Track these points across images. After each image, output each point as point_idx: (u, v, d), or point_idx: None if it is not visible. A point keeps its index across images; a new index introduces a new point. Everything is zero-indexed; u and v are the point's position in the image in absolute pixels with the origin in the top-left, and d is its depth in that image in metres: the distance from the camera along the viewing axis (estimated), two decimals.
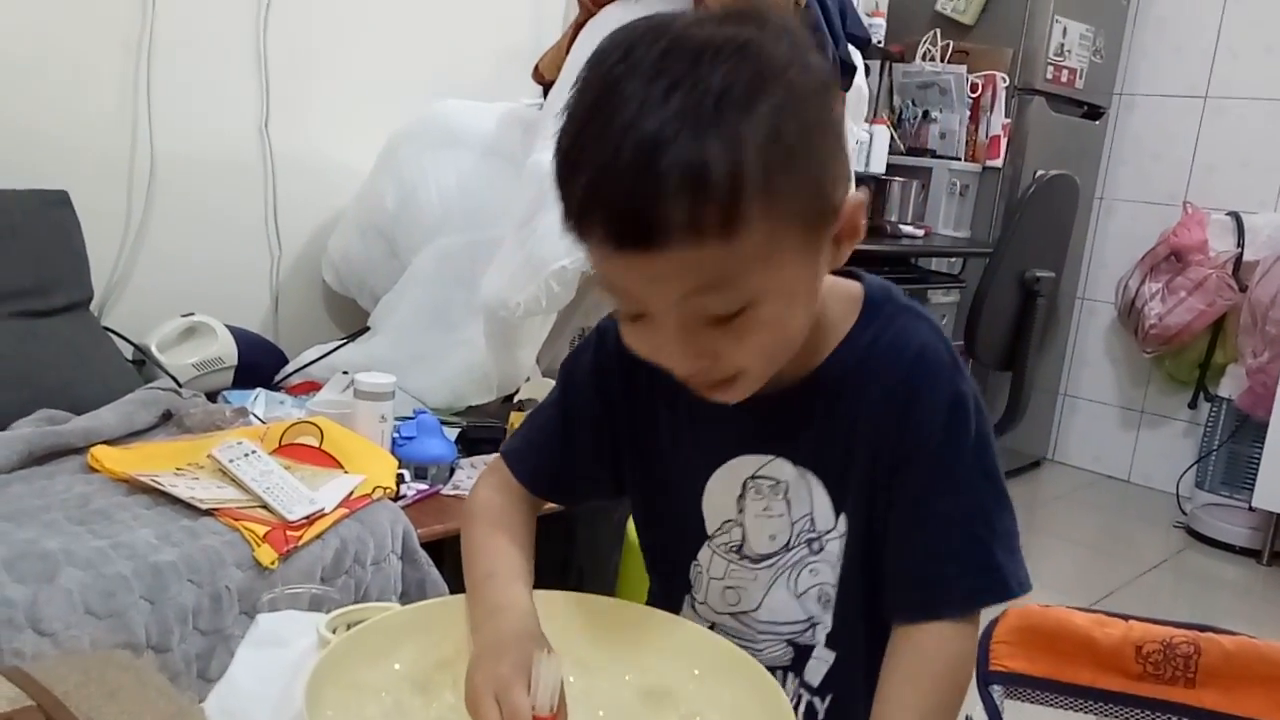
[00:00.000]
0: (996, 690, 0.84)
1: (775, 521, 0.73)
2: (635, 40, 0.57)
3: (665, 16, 0.59)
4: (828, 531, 0.72)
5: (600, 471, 0.79)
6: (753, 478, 0.73)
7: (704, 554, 0.77)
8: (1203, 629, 0.82)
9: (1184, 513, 3.28)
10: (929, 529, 0.66)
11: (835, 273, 0.69)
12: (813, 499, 0.72)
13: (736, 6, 0.60)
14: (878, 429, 0.67)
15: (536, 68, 2.05)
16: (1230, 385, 3.20)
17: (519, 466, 0.79)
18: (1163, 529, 3.22)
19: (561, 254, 1.59)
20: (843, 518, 0.71)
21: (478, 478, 0.83)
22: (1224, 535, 3.07)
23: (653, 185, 0.53)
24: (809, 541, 0.73)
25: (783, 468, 0.71)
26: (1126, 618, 0.85)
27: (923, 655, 0.66)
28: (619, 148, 0.54)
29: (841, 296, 0.70)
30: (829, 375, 0.68)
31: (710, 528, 0.76)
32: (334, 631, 0.67)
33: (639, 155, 0.53)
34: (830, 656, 0.74)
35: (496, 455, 0.82)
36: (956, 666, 0.67)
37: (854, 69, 1.84)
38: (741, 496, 0.74)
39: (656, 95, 0.54)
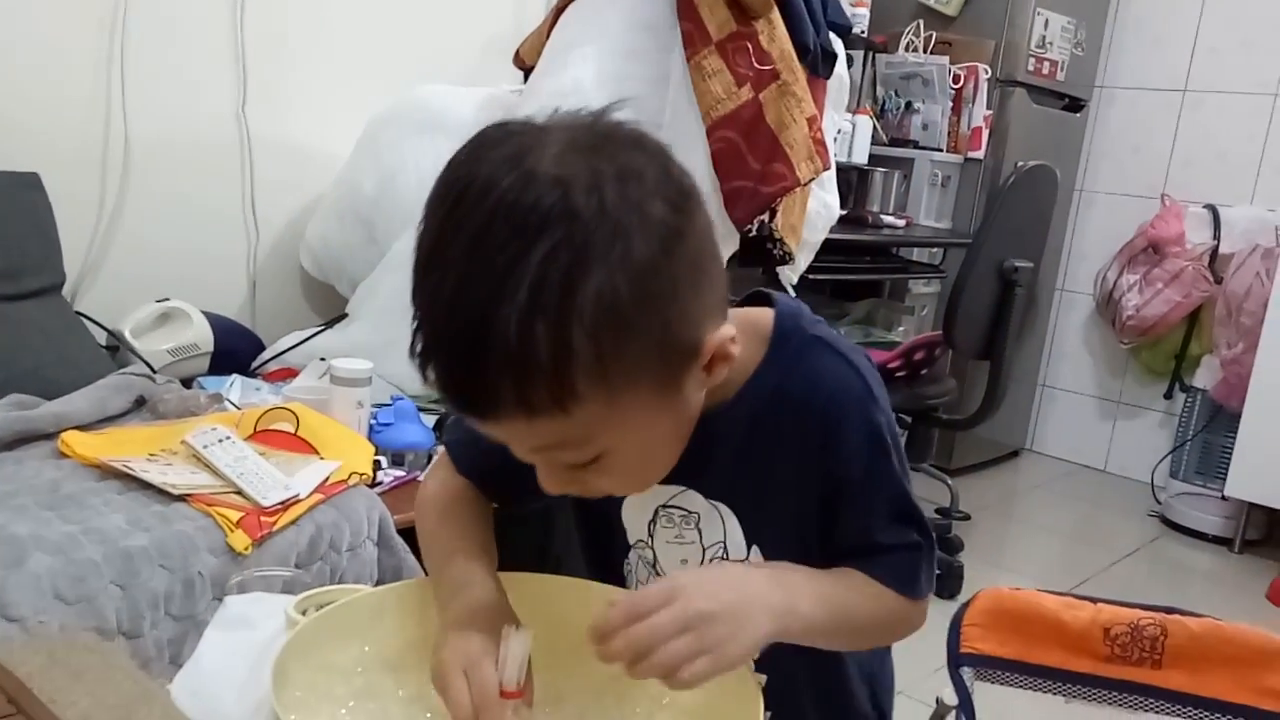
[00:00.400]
0: (966, 672, 0.84)
1: (686, 548, 0.74)
2: (470, 181, 0.53)
3: (516, 142, 0.54)
4: (740, 562, 0.72)
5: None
6: (664, 506, 0.73)
7: (632, 556, 0.78)
8: (1169, 611, 0.83)
9: (1158, 502, 3.31)
10: (868, 554, 0.69)
11: (745, 299, 0.69)
12: (725, 529, 0.72)
13: (598, 129, 0.55)
14: (796, 469, 0.68)
15: (518, 53, 2.04)
16: (1205, 376, 3.24)
17: (462, 461, 0.78)
18: (1137, 518, 3.25)
19: None
20: (755, 549, 0.72)
21: (428, 470, 0.82)
22: (1197, 524, 3.11)
23: (479, 367, 0.52)
24: None
25: (694, 499, 0.72)
26: (1095, 600, 0.86)
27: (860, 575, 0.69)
28: (448, 317, 0.53)
29: (747, 332, 0.67)
30: (737, 414, 0.67)
31: (631, 539, 0.77)
32: (303, 613, 0.67)
33: (465, 332, 0.52)
34: (760, 679, 0.74)
35: (443, 449, 0.80)
36: (887, 604, 0.69)
37: (834, 57, 1.84)
38: (653, 521, 0.74)
39: (480, 264, 0.51)
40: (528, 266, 0.50)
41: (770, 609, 0.60)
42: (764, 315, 0.69)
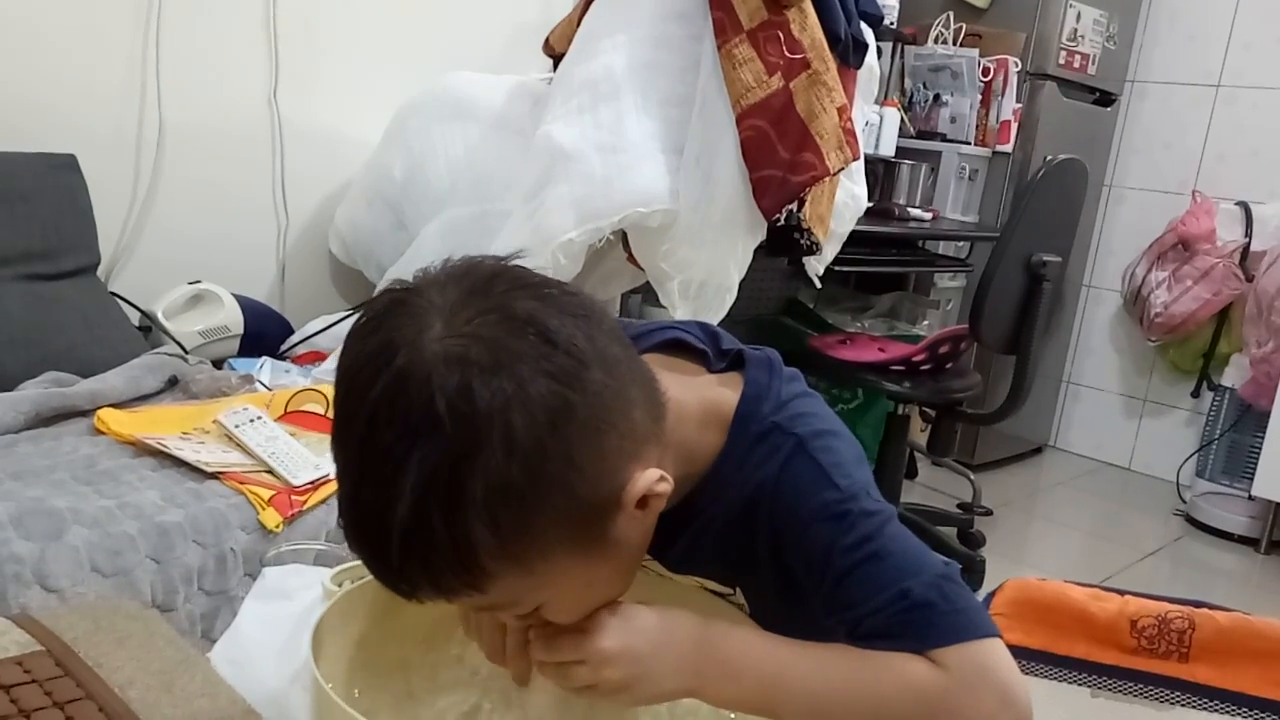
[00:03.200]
0: None
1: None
2: (356, 373, 0.52)
3: (394, 328, 0.52)
4: (729, 595, 0.71)
5: None
6: None
7: None
8: (1197, 605, 0.83)
9: (1183, 501, 3.28)
10: (862, 633, 0.60)
11: (730, 360, 0.68)
12: (701, 582, 0.71)
13: (480, 305, 0.53)
14: (754, 564, 0.66)
15: (547, 40, 2.04)
16: (1234, 375, 3.20)
17: None
18: (1162, 517, 3.23)
19: (569, 226, 1.59)
20: (738, 591, 0.70)
21: None
22: (1223, 524, 3.08)
23: (388, 563, 0.52)
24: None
25: (659, 565, 0.71)
26: (1123, 593, 0.86)
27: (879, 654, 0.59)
28: (352, 517, 0.53)
29: (709, 419, 0.65)
30: (694, 508, 0.65)
31: None
32: (339, 585, 0.68)
33: (369, 534, 0.52)
34: None
35: None
36: (898, 673, 0.58)
37: (866, 47, 1.84)
38: None
39: (370, 468, 0.51)
40: (409, 472, 0.50)
41: (681, 671, 0.58)
42: (727, 401, 0.66)
